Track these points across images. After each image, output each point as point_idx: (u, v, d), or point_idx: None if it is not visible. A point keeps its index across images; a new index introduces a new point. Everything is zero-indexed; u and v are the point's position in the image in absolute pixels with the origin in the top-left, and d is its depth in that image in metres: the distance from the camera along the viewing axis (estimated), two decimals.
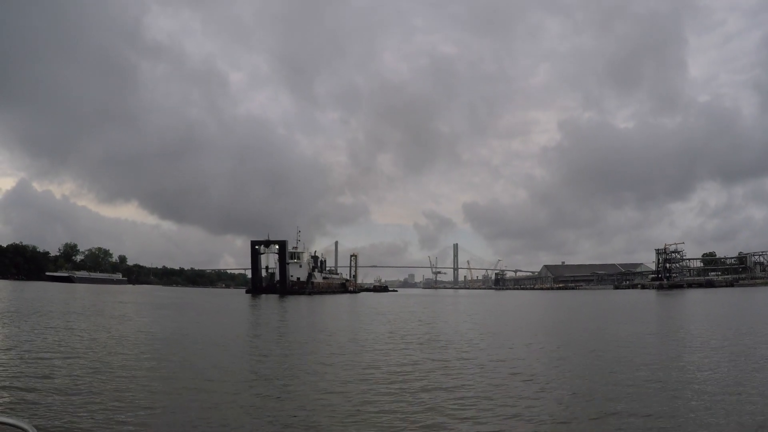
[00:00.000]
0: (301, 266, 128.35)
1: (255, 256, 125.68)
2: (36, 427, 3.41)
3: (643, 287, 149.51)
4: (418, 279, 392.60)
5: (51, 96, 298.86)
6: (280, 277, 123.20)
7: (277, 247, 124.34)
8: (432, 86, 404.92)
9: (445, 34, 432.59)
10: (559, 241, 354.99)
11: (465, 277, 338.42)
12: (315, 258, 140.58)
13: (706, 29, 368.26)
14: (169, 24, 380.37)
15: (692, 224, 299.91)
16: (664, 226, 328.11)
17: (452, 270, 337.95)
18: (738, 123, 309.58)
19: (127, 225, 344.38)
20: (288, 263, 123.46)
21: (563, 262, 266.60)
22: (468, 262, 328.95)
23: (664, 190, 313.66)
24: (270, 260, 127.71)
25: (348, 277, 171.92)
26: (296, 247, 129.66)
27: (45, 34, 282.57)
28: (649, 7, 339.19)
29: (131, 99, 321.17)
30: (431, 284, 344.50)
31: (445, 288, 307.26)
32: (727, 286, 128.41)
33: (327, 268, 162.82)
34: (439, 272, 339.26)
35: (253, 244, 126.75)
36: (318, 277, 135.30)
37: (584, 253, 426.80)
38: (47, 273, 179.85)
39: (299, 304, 68.58)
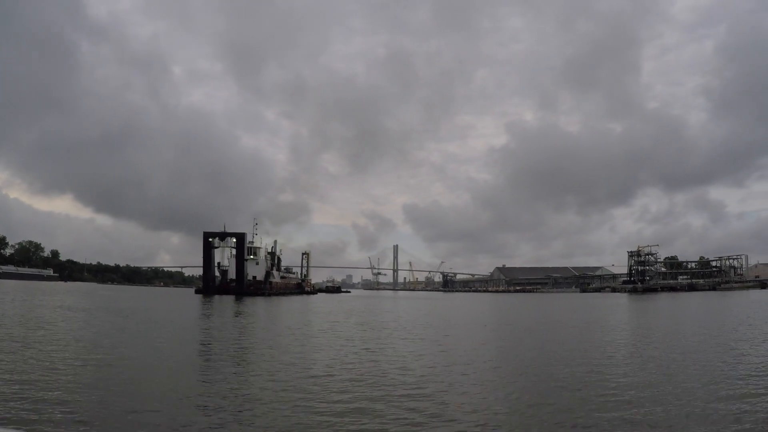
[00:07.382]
0: (258, 263, 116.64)
1: (208, 250, 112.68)
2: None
3: (614, 290, 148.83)
4: (356, 280, 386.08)
5: None
6: (236, 275, 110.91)
7: (234, 240, 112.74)
8: (383, 82, 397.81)
9: (401, 29, 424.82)
10: (499, 244, 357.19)
11: (405, 278, 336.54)
12: (272, 254, 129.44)
13: (659, 35, 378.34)
14: (111, 3, 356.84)
15: (631, 229, 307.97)
16: (604, 231, 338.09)
17: (392, 271, 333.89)
18: (685, 131, 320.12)
19: (61, 218, 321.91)
20: (245, 260, 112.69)
21: (504, 265, 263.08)
22: (410, 263, 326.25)
23: (606, 194, 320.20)
24: (222, 256, 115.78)
25: (300, 277, 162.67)
26: (252, 242, 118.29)
27: None
28: (612, 7, 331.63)
29: (70, 82, 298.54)
30: (371, 285, 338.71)
31: (384, 289, 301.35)
32: (709, 289, 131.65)
33: (283, 267, 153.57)
34: (380, 273, 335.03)
35: (206, 236, 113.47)
36: (276, 277, 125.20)
37: (523, 256, 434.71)
38: None
39: (261, 307, 61.13)
